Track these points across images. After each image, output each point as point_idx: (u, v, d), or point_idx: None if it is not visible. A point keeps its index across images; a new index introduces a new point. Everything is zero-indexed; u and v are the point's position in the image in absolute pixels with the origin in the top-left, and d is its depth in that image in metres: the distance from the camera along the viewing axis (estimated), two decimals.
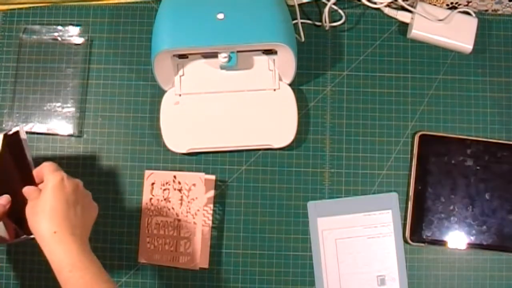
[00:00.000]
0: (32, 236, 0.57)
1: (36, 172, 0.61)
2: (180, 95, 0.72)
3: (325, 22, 0.75)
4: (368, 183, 0.73)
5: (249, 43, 0.64)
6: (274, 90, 0.72)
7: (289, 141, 0.71)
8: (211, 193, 0.72)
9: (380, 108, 0.75)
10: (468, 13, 0.75)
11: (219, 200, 0.73)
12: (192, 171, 0.73)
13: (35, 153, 0.74)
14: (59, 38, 0.76)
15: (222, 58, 0.67)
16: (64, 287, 0.51)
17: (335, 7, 0.76)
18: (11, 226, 0.61)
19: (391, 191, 0.73)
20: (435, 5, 0.75)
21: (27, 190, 0.58)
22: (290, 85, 0.73)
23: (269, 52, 0.71)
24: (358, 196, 0.73)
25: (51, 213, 0.53)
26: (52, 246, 0.51)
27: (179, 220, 0.70)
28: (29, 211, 0.56)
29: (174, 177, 0.71)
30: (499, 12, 0.77)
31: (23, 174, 0.61)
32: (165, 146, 0.72)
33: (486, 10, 0.77)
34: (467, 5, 0.76)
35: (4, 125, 0.74)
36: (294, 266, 0.72)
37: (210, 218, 0.72)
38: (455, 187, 0.72)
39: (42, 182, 0.59)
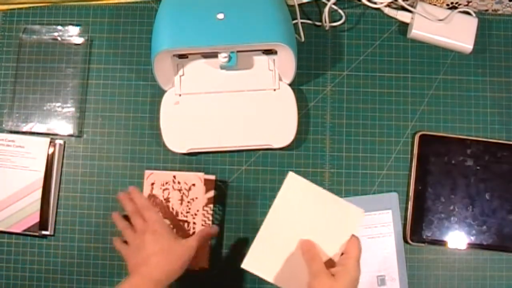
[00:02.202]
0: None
1: None
2: (180, 95, 0.72)
3: (325, 22, 0.75)
4: (368, 183, 0.73)
5: (249, 43, 0.64)
6: (274, 90, 0.72)
7: (289, 141, 0.71)
8: (211, 193, 0.72)
9: (380, 108, 0.75)
10: (468, 13, 0.75)
11: (219, 200, 0.73)
12: (192, 171, 0.73)
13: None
14: (59, 38, 0.76)
15: (222, 58, 0.67)
16: None
17: (335, 7, 0.76)
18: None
19: (391, 191, 0.73)
20: (435, 5, 0.75)
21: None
22: (290, 85, 0.73)
23: (269, 52, 0.71)
24: (358, 196, 0.73)
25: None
26: None
27: (179, 220, 0.70)
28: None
29: (174, 177, 0.71)
30: (499, 12, 0.77)
31: None
32: (165, 146, 0.72)
33: (486, 10, 0.77)
34: (467, 5, 0.76)
35: (4, 125, 0.74)
36: None
37: (210, 218, 0.72)
38: (455, 187, 0.72)
39: None
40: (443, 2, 0.76)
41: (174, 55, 0.70)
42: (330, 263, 0.58)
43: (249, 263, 0.59)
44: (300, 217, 0.60)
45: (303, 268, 0.58)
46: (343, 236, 0.59)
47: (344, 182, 0.74)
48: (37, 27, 0.76)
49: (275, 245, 0.59)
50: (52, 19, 0.77)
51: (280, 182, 0.73)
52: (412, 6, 0.74)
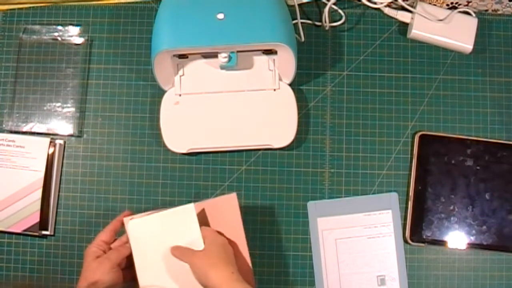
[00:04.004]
0: None
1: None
2: (180, 95, 0.72)
3: (325, 22, 0.75)
4: (368, 183, 0.73)
5: (249, 43, 0.64)
6: (274, 90, 0.72)
7: (289, 141, 0.71)
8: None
9: (380, 108, 0.75)
10: (468, 13, 0.75)
11: None
12: (192, 171, 0.73)
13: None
14: (59, 38, 0.76)
15: (222, 58, 0.67)
16: None
17: (335, 7, 0.76)
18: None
19: (391, 191, 0.73)
20: (435, 5, 0.75)
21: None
22: (290, 85, 0.73)
23: (269, 52, 0.71)
24: (358, 196, 0.73)
25: (227, 259, 0.62)
26: (235, 283, 0.59)
27: None
28: (201, 262, 0.61)
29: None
30: (499, 12, 0.77)
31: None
32: (165, 146, 0.72)
33: (486, 10, 0.77)
34: (467, 5, 0.76)
35: (4, 125, 0.74)
36: (294, 266, 0.72)
37: None
38: (455, 187, 0.72)
39: None
40: (443, 2, 0.76)
41: (174, 55, 0.70)
42: None
43: None
44: (160, 250, 0.63)
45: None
46: (195, 234, 0.63)
47: (344, 182, 0.74)
48: (37, 27, 0.76)
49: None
50: (52, 19, 0.77)
51: (280, 182, 0.74)
52: (412, 6, 0.74)
